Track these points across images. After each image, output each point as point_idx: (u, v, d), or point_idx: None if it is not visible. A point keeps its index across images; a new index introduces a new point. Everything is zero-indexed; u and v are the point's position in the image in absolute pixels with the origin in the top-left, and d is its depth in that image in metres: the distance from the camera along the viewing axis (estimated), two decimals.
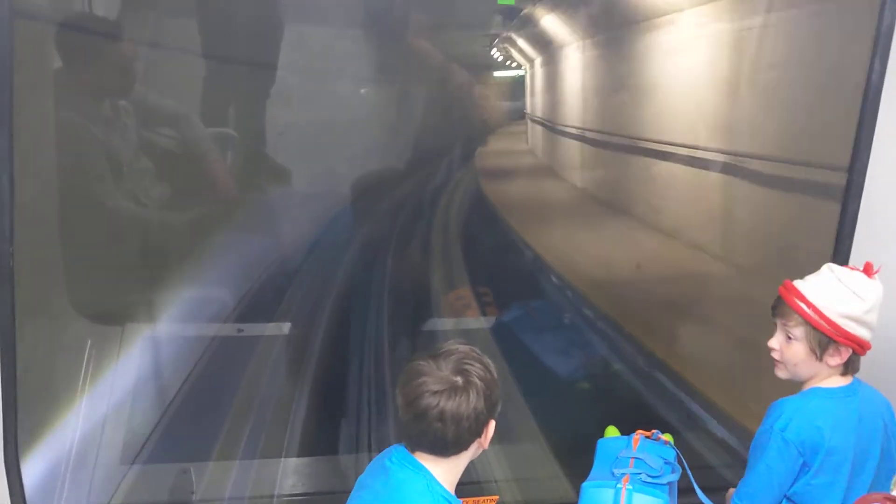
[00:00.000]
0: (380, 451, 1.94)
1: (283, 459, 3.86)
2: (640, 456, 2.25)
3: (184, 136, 3.91)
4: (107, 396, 3.25)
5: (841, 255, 2.66)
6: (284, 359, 4.43)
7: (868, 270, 2.04)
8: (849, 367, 2.10)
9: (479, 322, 5.12)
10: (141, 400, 3.58)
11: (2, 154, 2.32)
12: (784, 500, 2.12)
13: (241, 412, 4.01)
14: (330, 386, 4.71)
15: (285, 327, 4.35)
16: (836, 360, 2.07)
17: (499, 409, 1.87)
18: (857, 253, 2.63)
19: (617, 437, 2.44)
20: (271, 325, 4.44)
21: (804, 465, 2.06)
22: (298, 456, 3.91)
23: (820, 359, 2.08)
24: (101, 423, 3.22)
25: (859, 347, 2.06)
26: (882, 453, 2.12)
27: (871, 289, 2.02)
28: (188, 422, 3.82)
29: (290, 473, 3.78)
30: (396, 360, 4.79)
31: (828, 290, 2.05)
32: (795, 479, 2.08)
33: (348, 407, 4.53)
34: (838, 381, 2.10)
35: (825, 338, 2.04)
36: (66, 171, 3.11)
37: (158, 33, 3.88)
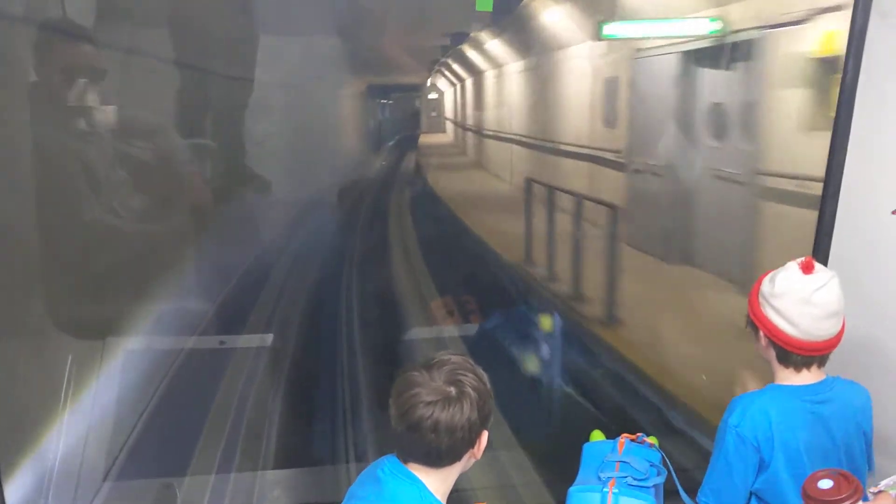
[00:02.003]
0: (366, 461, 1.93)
1: (262, 471, 3.83)
2: (626, 459, 2.25)
3: (160, 148, 3.89)
4: (89, 411, 3.22)
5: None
6: (264, 370, 4.42)
7: (804, 266, 2.05)
8: (790, 362, 2.10)
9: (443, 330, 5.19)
10: (123, 414, 3.55)
11: None
12: (752, 498, 2.14)
13: (220, 424, 3.99)
14: (310, 396, 4.70)
15: (268, 338, 4.34)
16: (761, 344, 2.13)
17: (491, 419, 1.86)
18: (835, 258, 2.65)
19: (602, 441, 2.43)
20: (254, 336, 4.42)
21: (762, 459, 2.08)
22: (282, 468, 3.89)
23: (756, 338, 2.14)
24: (84, 438, 3.19)
25: (770, 333, 2.08)
26: (852, 454, 2.13)
27: (788, 278, 2.05)
28: (169, 435, 3.79)
29: (274, 485, 3.76)
30: (370, 370, 4.82)
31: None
32: (757, 475, 2.10)
33: (329, 417, 4.53)
34: (799, 380, 2.11)
35: (748, 317, 2.14)
36: (44, 185, 3.08)
37: (135, 43, 3.86)
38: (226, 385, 4.18)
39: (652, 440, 2.38)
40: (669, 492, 2.29)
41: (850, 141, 2.55)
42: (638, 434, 2.39)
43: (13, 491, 2.61)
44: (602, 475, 2.20)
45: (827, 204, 2.61)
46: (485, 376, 1.84)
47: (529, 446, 3.99)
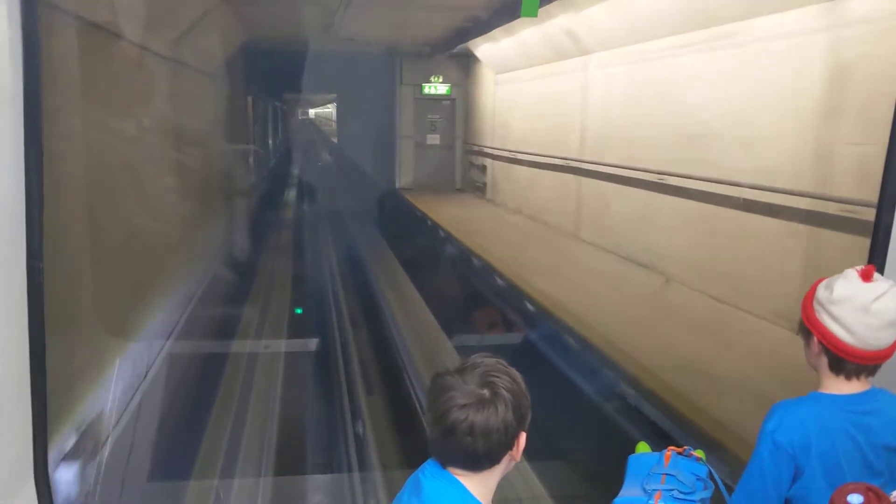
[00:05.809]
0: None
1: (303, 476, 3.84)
2: (672, 472, 2.21)
3: (208, 154, 3.94)
4: (135, 412, 3.26)
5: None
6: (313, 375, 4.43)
7: (864, 274, 2.01)
8: (842, 371, 2.04)
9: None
10: (169, 416, 3.59)
11: (32, 171, 2.30)
12: None
13: (265, 428, 4.01)
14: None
15: (312, 344, 4.31)
16: (812, 350, 2.07)
17: (529, 420, 1.83)
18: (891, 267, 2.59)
19: (648, 454, 2.40)
20: (297, 341, 4.43)
21: (797, 467, 2.04)
22: (322, 473, 3.90)
23: (808, 344, 2.09)
24: (130, 439, 3.22)
25: (825, 340, 2.03)
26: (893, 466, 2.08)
27: (847, 285, 2.00)
28: (217, 437, 3.82)
29: (315, 490, 3.76)
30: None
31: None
32: (793, 482, 2.06)
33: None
34: (844, 389, 2.06)
35: (802, 323, 2.09)
36: (96, 188, 3.13)
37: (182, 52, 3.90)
38: (279, 389, 4.18)
39: (699, 453, 2.34)
40: None
41: None
42: (685, 447, 2.35)
43: (60, 487, 2.65)
44: (647, 487, 2.17)
45: (883, 214, 2.55)
46: (519, 377, 1.80)
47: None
